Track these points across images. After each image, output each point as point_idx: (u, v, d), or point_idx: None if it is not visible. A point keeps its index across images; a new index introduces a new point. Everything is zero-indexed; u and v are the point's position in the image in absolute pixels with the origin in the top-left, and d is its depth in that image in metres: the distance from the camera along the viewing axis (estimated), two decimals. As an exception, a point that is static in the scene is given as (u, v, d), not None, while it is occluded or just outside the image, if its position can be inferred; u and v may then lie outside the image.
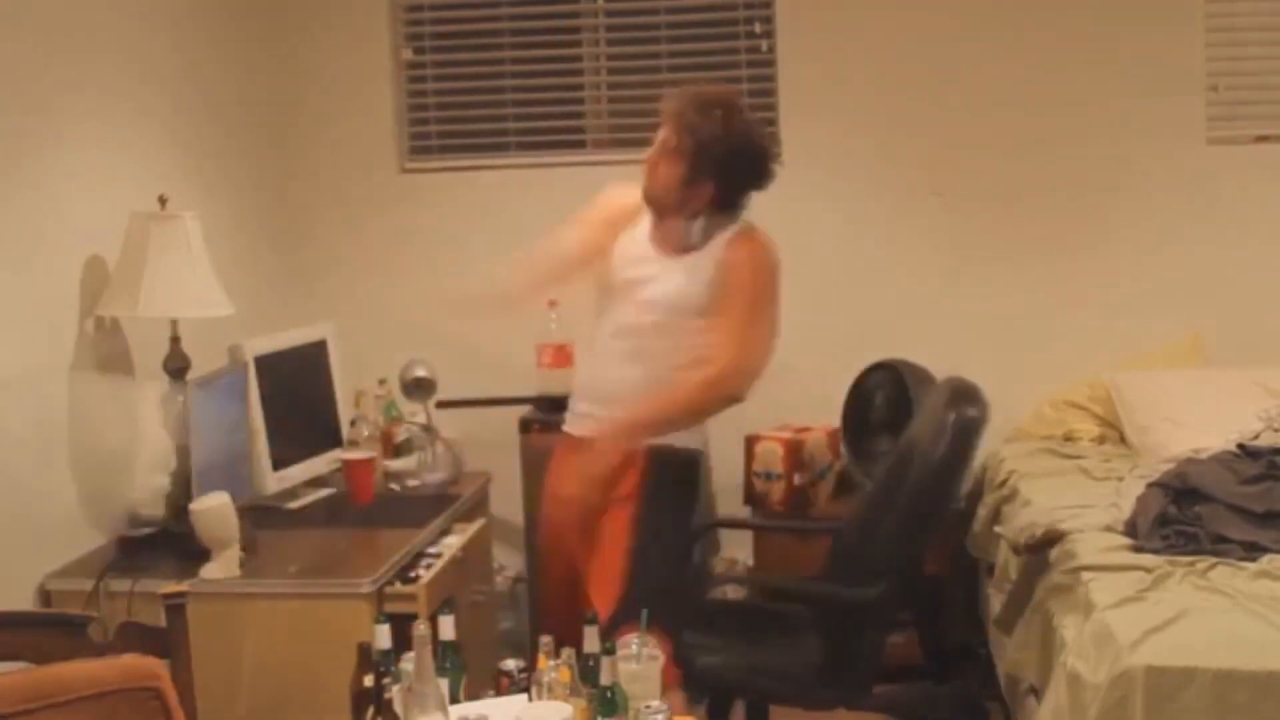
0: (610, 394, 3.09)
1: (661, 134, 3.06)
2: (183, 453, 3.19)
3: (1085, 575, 2.99)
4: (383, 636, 2.28)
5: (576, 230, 3.23)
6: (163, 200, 3.21)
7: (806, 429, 4.18)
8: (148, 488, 3.25)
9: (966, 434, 2.99)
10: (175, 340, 3.23)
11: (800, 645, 3.21)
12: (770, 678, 3.14)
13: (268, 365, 3.49)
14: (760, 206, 4.38)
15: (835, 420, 4.20)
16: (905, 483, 3.04)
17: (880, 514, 3.18)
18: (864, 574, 3.04)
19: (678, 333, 3.07)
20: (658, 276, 3.09)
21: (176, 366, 3.22)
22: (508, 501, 4.10)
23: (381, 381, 3.98)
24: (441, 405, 4.12)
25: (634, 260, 3.13)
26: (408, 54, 4.55)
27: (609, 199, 3.22)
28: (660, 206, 3.10)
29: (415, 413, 3.96)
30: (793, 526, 4.08)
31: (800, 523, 4.09)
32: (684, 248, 3.11)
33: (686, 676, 2.95)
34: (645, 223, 3.15)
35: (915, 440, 3.15)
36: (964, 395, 3.04)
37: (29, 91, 3.01)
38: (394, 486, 3.59)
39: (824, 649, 3.13)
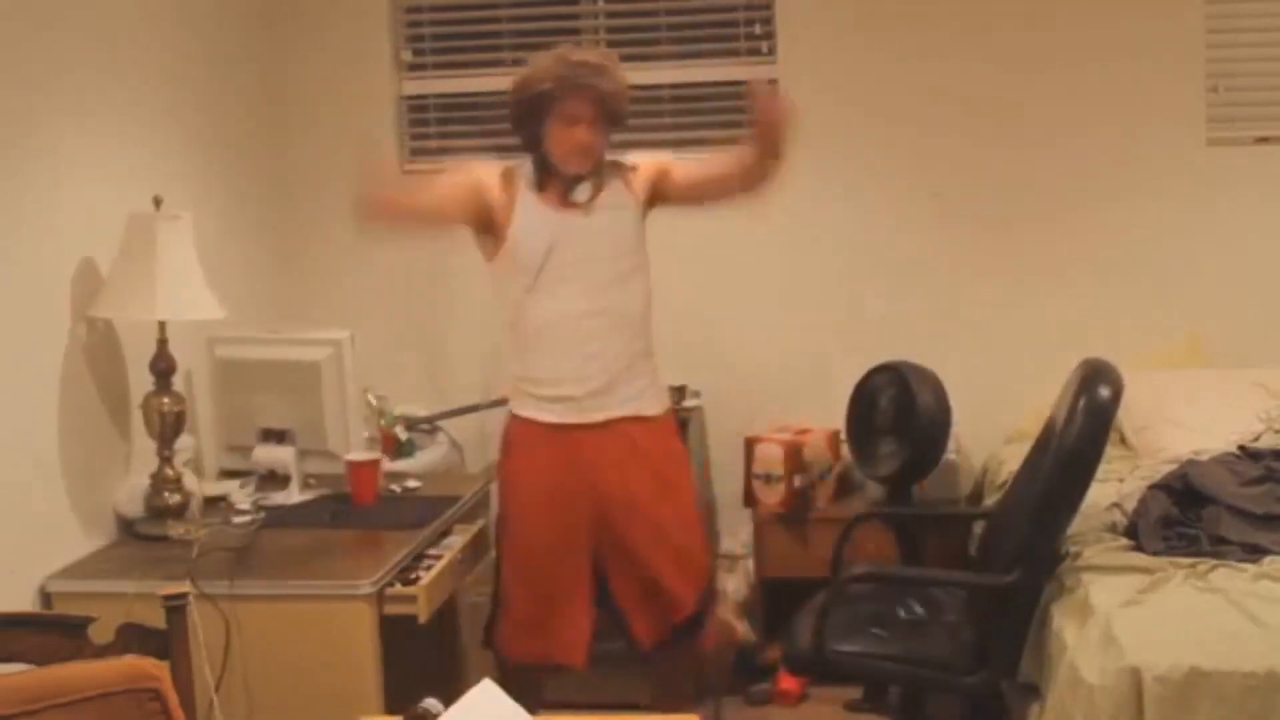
0: (589, 371, 3.12)
1: (583, 114, 3.08)
2: (163, 456, 3.22)
3: (1086, 577, 2.99)
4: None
5: (453, 192, 3.17)
6: (158, 201, 3.21)
7: (806, 431, 4.19)
8: (137, 489, 3.25)
9: (1097, 417, 2.94)
10: (162, 342, 3.22)
11: (947, 633, 3.24)
12: (920, 666, 3.16)
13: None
14: (760, 207, 4.41)
15: (835, 422, 4.20)
16: (1042, 467, 3.03)
17: (1020, 499, 3.18)
18: (1005, 559, 3.05)
19: (630, 275, 3.17)
20: (587, 236, 3.12)
21: (162, 368, 3.22)
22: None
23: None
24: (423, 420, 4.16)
25: (558, 237, 3.10)
26: (408, 54, 4.55)
27: (486, 180, 3.15)
28: (585, 175, 3.15)
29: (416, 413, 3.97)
30: (938, 514, 4.06)
31: (948, 509, 4.08)
32: (591, 197, 3.15)
33: (833, 667, 3.14)
34: (525, 198, 3.13)
35: (1053, 424, 3.14)
36: (1096, 376, 3.02)
37: (23, 93, 3.00)
38: (394, 488, 3.58)
39: (971, 636, 3.15)
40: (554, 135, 3.10)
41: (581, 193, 3.14)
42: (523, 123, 3.13)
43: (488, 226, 3.14)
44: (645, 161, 3.27)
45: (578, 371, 3.11)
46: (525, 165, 3.18)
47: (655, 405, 3.24)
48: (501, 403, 4.29)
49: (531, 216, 3.12)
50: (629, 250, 3.18)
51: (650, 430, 3.21)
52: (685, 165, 3.31)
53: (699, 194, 3.30)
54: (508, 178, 3.15)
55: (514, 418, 3.23)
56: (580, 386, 3.11)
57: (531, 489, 3.17)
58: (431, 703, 2.18)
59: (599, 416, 3.13)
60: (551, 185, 3.15)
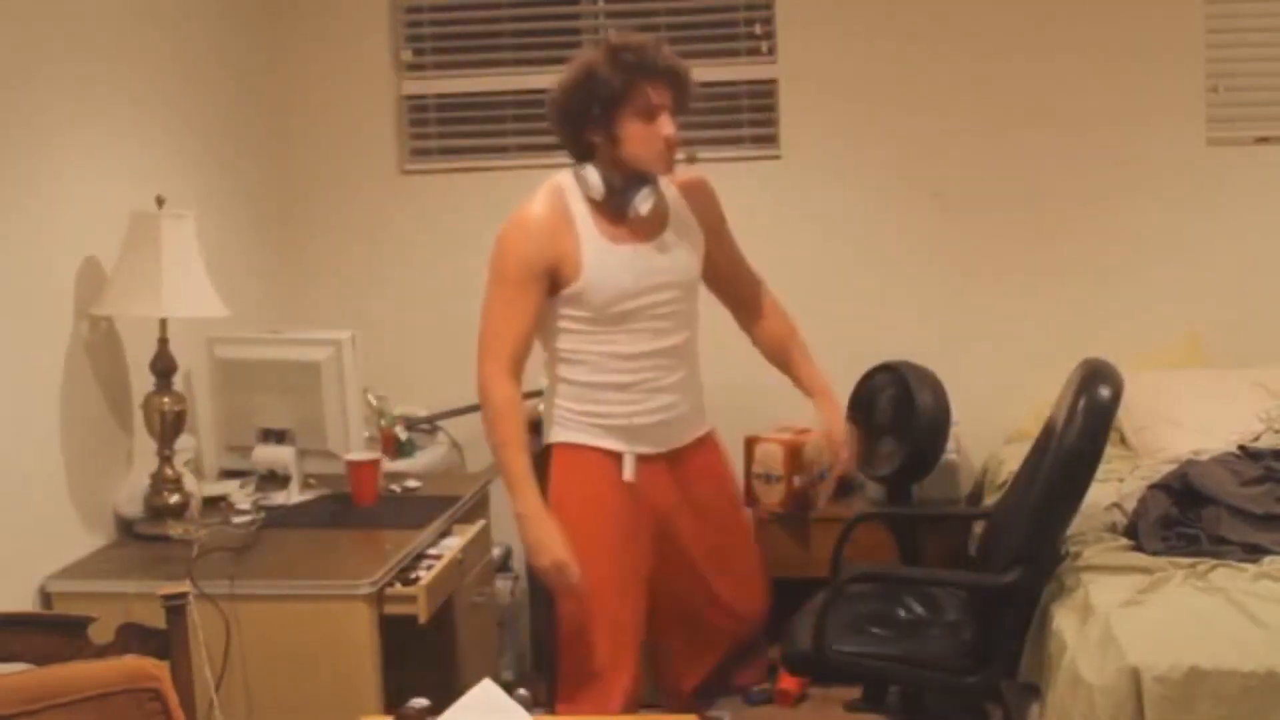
0: (654, 406, 2.86)
1: (665, 103, 2.74)
2: (163, 456, 3.22)
3: (1086, 576, 2.99)
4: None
5: (526, 318, 2.78)
6: (160, 201, 3.21)
7: (806, 431, 4.18)
8: (137, 489, 3.25)
9: (1097, 416, 2.94)
10: (163, 342, 3.23)
11: (947, 633, 3.25)
12: (920, 666, 3.16)
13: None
14: (760, 208, 4.41)
15: (835, 421, 4.20)
16: (1042, 467, 3.03)
17: (1020, 499, 3.18)
18: (1005, 559, 3.05)
19: (693, 302, 2.91)
20: (659, 273, 2.81)
21: (162, 368, 3.23)
22: (509, 502, 4.09)
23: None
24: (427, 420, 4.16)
25: (631, 278, 2.77)
26: (408, 54, 4.55)
27: (529, 253, 2.75)
28: (652, 180, 2.81)
29: (416, 413, 3.97)
30: (938, 514, 4.07)
31: (948, 509, 4.08)
32: (658, 216, 2.83)
33: (833, 667, 3.09)
34: (589, 238, 2.76)
35: (1053, 424, 3.14)
36: (1096, 376, 3.01)
37: (26, 92, 3.00)
38: (394, 488, 3.58)
39: (971, 636, 3.16)
40: (633, 134, 2.72)
41: (644, 202, 2.77)
42: (579, 126, 2.76)
43: (552, 287, 2.79)
44: (707, 186, 2.96)
45: (641, 406, 2.84)
46: (570, 190, 2.80)
47: (705, 424, 3.03)
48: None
49: (604, 260, 2.76)
50: (694, 279, 2.91)
51: (706, 448, 3.01)
52: (736, 247, 3.02)
53: (732, 288, 3.01)
54: (554, 224, 2.75)
55: (565, 446, 2.88)
56: (645, 419, 2.85)
57: (598, 521, 2.84)
58: (420, 702, 2.19)
59: (663, 448, 2.89)
60: (605, 204, 2.78)
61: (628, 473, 2.85)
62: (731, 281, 3.04)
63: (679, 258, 2.86)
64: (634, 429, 2.85)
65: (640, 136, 2.74)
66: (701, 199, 2.95)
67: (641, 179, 2.78)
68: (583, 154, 2.81)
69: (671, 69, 2.74)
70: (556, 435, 2.89)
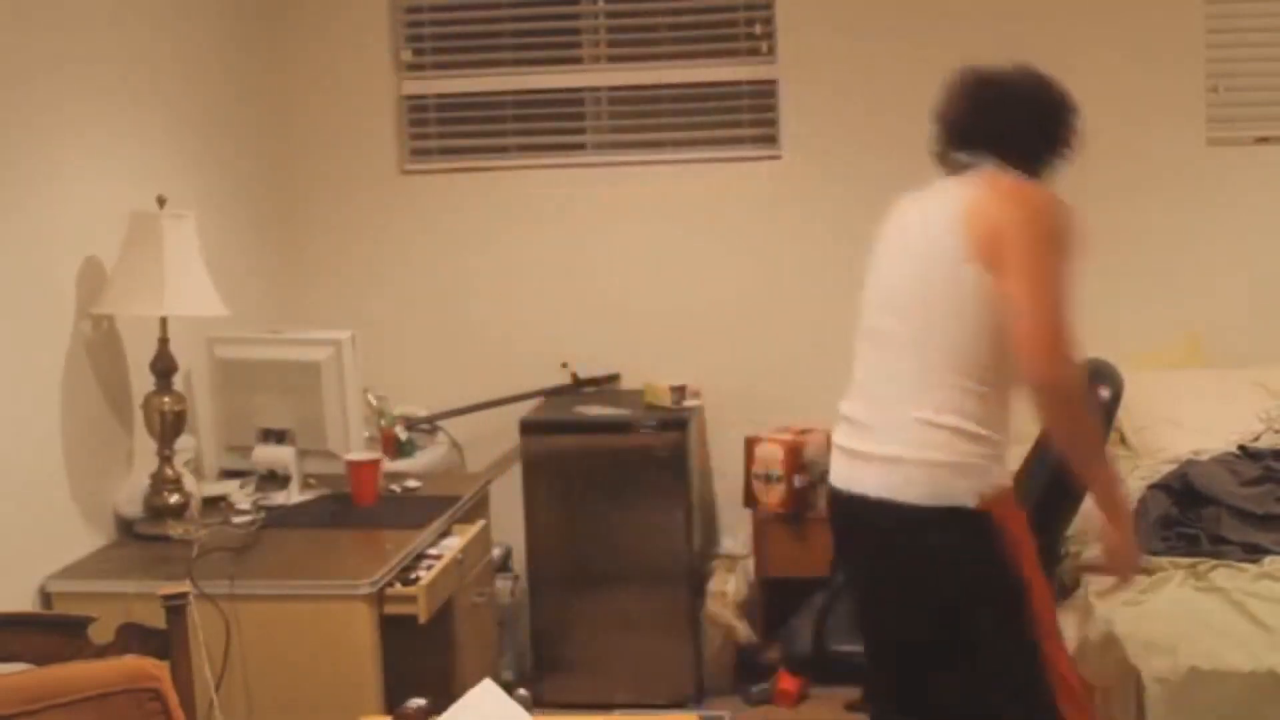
0: None
1: None
2: (163, 456, 3.22)
3: (1086, 577, 2.99)
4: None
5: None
6: (161, 201, 3.21)
7: (807, 431, 4.18)
8: (137, 489, 3.25)
9: (1098, 416, 2.92)
10: (163, 341, 3.23)
11: None
12: None
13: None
14: (760, 208, 4.42)
15: (835, 421, 4.20)
16: (1042, 467, 3.03)
17: (1019, 499, 3.18)
18: None
19: None
20: None
21: (163, 367, 3.23)
22: (509, 502, 4.10)
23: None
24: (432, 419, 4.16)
25: None
26: (408, 54, 4.55)
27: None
28: None
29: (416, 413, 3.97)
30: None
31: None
32: None
33: (833, 667, 3.00)
34: None
35: None
36: (1096, 376, 3.00)
37: (26, 92, 3.00)
38: (394, 488, 3.58)
39: None
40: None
41: None
42: (1063, 139, 2.73)
43: None
44: None
45: None
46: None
47: None
48: (502, 402, 4.32)
49: None
50: None
51: None
52: None
53: None
54: None
55: (1005, 490, 2.49)
56: None
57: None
58: (420, 702, 2.19)
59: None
60: None
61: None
62: None
63: None
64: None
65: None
66: None
67: None
68: (1023, 159, 2.75)
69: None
70: (1000, 478, 2.48)
